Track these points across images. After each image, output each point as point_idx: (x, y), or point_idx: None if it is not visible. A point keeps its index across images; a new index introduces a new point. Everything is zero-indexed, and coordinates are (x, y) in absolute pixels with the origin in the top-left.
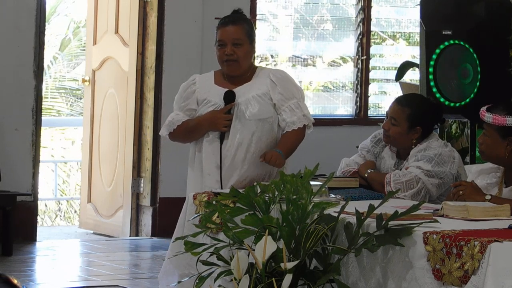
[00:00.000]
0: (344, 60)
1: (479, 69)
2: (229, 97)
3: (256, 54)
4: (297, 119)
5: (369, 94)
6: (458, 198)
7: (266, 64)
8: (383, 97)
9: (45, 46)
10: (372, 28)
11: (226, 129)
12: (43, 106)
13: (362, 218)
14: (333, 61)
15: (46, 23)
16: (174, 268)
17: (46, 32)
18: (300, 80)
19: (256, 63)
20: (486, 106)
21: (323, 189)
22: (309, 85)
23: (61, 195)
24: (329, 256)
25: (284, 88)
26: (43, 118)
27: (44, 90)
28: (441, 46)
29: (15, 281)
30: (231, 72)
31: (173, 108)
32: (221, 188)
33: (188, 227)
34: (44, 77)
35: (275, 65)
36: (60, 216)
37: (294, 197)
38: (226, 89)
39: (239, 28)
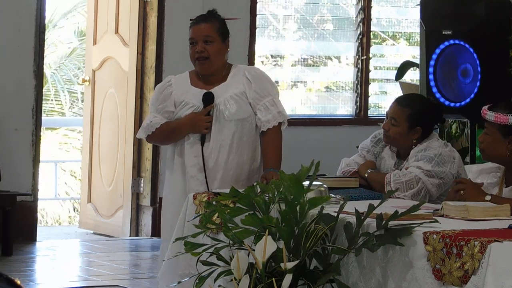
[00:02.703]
0: (344, 60)
1: (479, 69)
2: (208, 99)
3: (256, 55)
4: (272, 117)
5: (369, 94)
6: (459, 198)
7: (267, 64)
8: (383, 97)
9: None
10: (373, 28)
11: (207, 131)
12: (46, 108)
13: (362, 218)
14: (333, 61)
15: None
16: (174, 268)
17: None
18: (300, 80)
19: (257, 63)
20: (487, 105)
21: (323, 189)
22: (309, 84)
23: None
24: (329, 256)
25: (258, 86)
26: (43, 118)
27: (53, 93)
28: (441, 46)
29: (18, 282)
30: (203, 70)
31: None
32: (208, 190)
33: (188, 227)
34: (50, 80)
35: (275, 65)
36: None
37: (292, 197)
38: (203, 90)
39: (209, 25)
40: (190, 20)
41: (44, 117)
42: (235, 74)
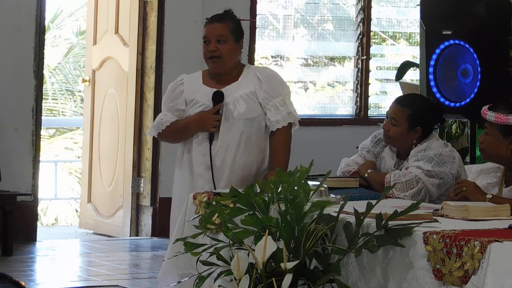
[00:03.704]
0: (344, 60)
1: (479, 69)
2: (218, 98)
3: (256, 55)
4: (282, 117)
5: (369, 94)
6: (460, 194)
7: (268, 65)
8: (383, 97)
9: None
10: (373, 28)
11: (215, 129)
12: (47, 107)
13: (361, 218)
14: (333, 61)
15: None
16: (174, 268)
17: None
18: (300, 80)
19: (256, 63)
20: (487, 105)
21: (323, 189)
22: (309, 85)
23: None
24: (329, 256)
25: (269, 86)
26: (43, 118)
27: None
28: (441, 46)
29: (23, 283)
30: (215, 69)
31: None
32: (214, 189)
33: (188, 227)
34: (50, 79)
35: (275, 65)
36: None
37: (291, 196)
38: (214, 89)
39: (223, 25)
40: (206, 19)
41: (44, 117)
42: (247, 74)
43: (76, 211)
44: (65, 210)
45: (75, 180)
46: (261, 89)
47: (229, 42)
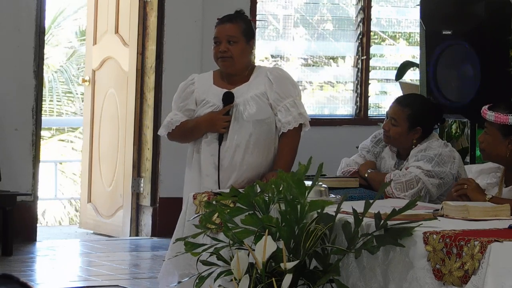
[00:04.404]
0: (344, 60)
1: (479, 69)
2: (228, 98)
3: (256, 55)
4: (292, 118)
5: (369, 94)
6: (460, 191)
7: (268, 65)
8: (383, 97)
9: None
10: (372, 28)
11: (225, 130)
12: (49, 109)
13: (360, 218)
14: (333, 61)
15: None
16: (174, 268)
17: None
18: (300, 80)
19: (256, 63)
20: (487, 105)
21: (323, 189)
22: (309, 85)
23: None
24: (329, 256)
25: (280, 87)
26: (43, 118)
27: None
28: (441, 46)
29: (30, 285)
30: (226, 69)
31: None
32: (219, 189)
33: (188, 227)
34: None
35: (274, 65)
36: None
37: (291, 196)
38: (225, 90)
39: (234, 25)
40: (217, 19)
41: (44, 117)
42: (257, 75)
43: (76, 211)
44: (59, 210)
45: (70, 181)
46: (271, 90)
47: (240, 42)
